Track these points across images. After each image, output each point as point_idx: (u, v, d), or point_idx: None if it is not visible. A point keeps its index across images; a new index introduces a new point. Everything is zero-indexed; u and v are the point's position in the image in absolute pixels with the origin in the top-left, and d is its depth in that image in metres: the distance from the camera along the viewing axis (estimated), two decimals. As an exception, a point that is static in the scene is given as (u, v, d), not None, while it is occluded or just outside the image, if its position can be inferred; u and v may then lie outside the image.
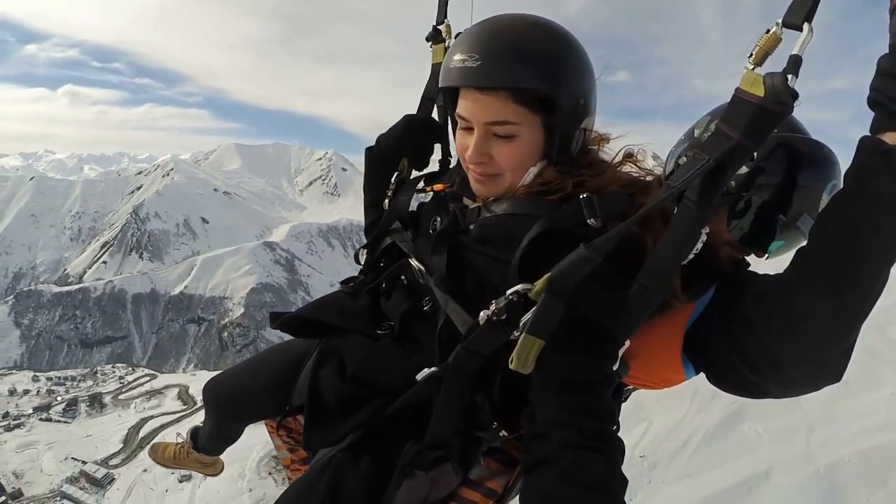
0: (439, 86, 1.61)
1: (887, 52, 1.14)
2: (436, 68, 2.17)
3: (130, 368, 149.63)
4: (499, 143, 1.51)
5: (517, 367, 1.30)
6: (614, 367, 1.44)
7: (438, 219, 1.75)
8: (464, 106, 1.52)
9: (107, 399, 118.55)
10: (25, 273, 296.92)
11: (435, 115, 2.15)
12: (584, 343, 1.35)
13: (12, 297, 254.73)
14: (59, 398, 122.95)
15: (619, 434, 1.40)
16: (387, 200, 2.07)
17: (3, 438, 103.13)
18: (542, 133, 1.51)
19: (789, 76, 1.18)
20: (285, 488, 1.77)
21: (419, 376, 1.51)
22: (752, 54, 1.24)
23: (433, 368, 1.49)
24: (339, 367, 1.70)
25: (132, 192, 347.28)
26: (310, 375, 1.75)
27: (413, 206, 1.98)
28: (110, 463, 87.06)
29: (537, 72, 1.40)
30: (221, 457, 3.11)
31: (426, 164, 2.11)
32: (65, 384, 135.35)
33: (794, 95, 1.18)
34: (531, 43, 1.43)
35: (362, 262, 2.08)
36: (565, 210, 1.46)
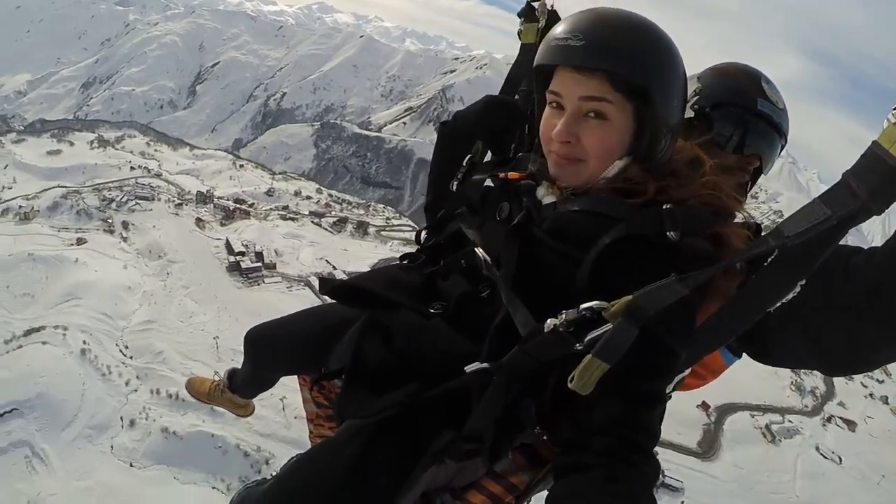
0: (536, 62, 1.59)
1: None
2: (525, 49, 2.18)
3: (398, 214, 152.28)
4: (589, 124, 1.50)
5: (576, 388, 1.28)
6: (669, 389, 1.43)
7: (507, 206, 1.72)
8: (558, 83, 1.53)
9: (370, 230, 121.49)
10: (335, 109, 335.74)
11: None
12: (647, 358, 1.34)
13: (319, 123, 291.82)
14: (332, 213, 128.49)
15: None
16: (455, 182, 2.03)
17: (277, 223, 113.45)
18: (634, 124, 1.51)
19: None
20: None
21: (468, 368, 1.49)
22: None
23: (484, 364, 1.48)
24: (385, 339, 1.69)
25: (445, 73, 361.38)
26: (354, 343, 1.75)
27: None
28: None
29: (639, 61, 1.43)
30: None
31: (503, 150, 2.06)
32: (341, 204, 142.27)
33: None
34: (636, 33, 1.46)
35: (422, 243, 2.06)
36: (646, 217, 1.44)
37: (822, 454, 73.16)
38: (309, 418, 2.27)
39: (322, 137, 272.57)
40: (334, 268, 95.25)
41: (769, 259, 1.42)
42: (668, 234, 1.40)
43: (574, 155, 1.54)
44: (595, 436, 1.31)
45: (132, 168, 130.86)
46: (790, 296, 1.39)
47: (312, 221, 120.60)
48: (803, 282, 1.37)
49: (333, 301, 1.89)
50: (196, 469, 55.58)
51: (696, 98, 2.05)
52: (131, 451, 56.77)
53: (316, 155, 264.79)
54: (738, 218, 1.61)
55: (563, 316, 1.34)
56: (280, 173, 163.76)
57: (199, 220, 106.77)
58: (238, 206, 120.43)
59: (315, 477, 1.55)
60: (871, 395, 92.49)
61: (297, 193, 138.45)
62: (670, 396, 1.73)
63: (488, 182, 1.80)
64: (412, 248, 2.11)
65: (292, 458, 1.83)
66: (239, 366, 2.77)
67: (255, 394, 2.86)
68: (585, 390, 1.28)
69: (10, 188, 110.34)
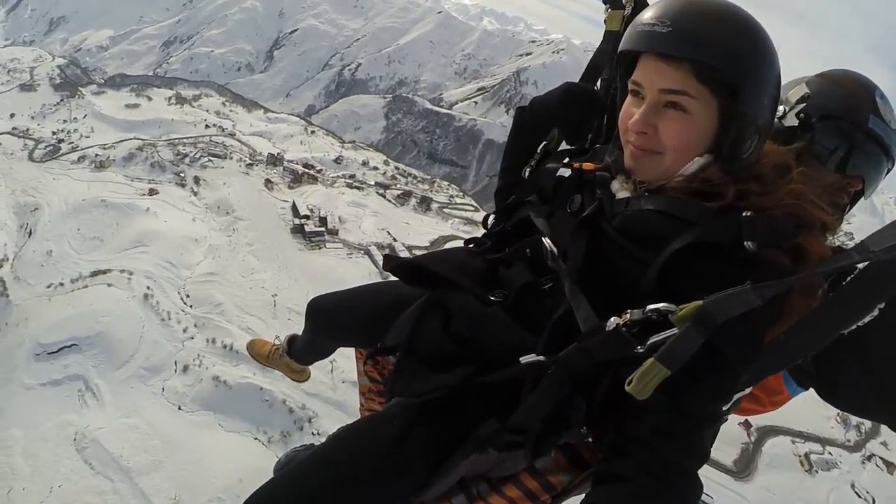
0: (620, 48, 1.54)
1: None
2: (609, 36, 2.14)
3: (461, 193, 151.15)
4: (668, 115, 1.44)
5: (633, 391, 1.24)
6: (725, 408, 1.40)
7: (579, 198, 1.66)
8: (640, 72, 1.48)
9: (433, 206, 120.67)
10: (408, 83, 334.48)
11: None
12: (706, 374, 1.30)
13: (391, 96, 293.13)
14: (397, 185, 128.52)
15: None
16: (528, 169, 1.99)
17: (343, 191, 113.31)
18: (717, 121, 1.44)
19: None
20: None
21: (523, 360, 1.46)
22: None
23: (540, 357, 1.45)
24: (444, 321, 1.68)
25: (521, 55, 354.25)
26: (412, 321, 1.73)
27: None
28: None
29: (728, 53, 1.34)
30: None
31: (580, 140, 2.02)
32: (406, 177, 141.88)
33: None
34: (729, 23, 1.37)
35: (489, 228, 2.03)
36: (723, 223, 1.37)
37: (856, 492, 69.00)
38: (361, 391, 2.30)
39: (393, 110, 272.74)
40: (394, 240, 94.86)
41: (849, 277, 1.34)
42: (744, 243, 1.32)
43: (650, 146, 1.48)
44: (639, 446, 1.29)
45: (207, 126, 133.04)
46: (867, 319, 1.29)
47: (377, 192, 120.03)
48: (882, 305, 1.27)
49: (396, 278, 1.87)
50: (241, 419, 55.89)
51: (802, 105, 1.89)
52: (181, 394, 57.59)
53: (386, 127, 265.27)
54: (827, 238, 1.52)
55: (628, 315, 1.30)
56: (349, 142, 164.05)
57: (267, 181, 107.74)
58: (306, 170, 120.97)
59: (359, 448, 1.55)
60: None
61: (364, 163, 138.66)
62: (726, 419, 1.67)
63: (562, 171, 1.75)
64: (473, 227, 2.04)
65: (340, 428, 1.83)
66: (297, 330, 2.85)
67: (312, 361, 2.95)
68: (643, 395, 1.24)
69: (87, 137, 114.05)
